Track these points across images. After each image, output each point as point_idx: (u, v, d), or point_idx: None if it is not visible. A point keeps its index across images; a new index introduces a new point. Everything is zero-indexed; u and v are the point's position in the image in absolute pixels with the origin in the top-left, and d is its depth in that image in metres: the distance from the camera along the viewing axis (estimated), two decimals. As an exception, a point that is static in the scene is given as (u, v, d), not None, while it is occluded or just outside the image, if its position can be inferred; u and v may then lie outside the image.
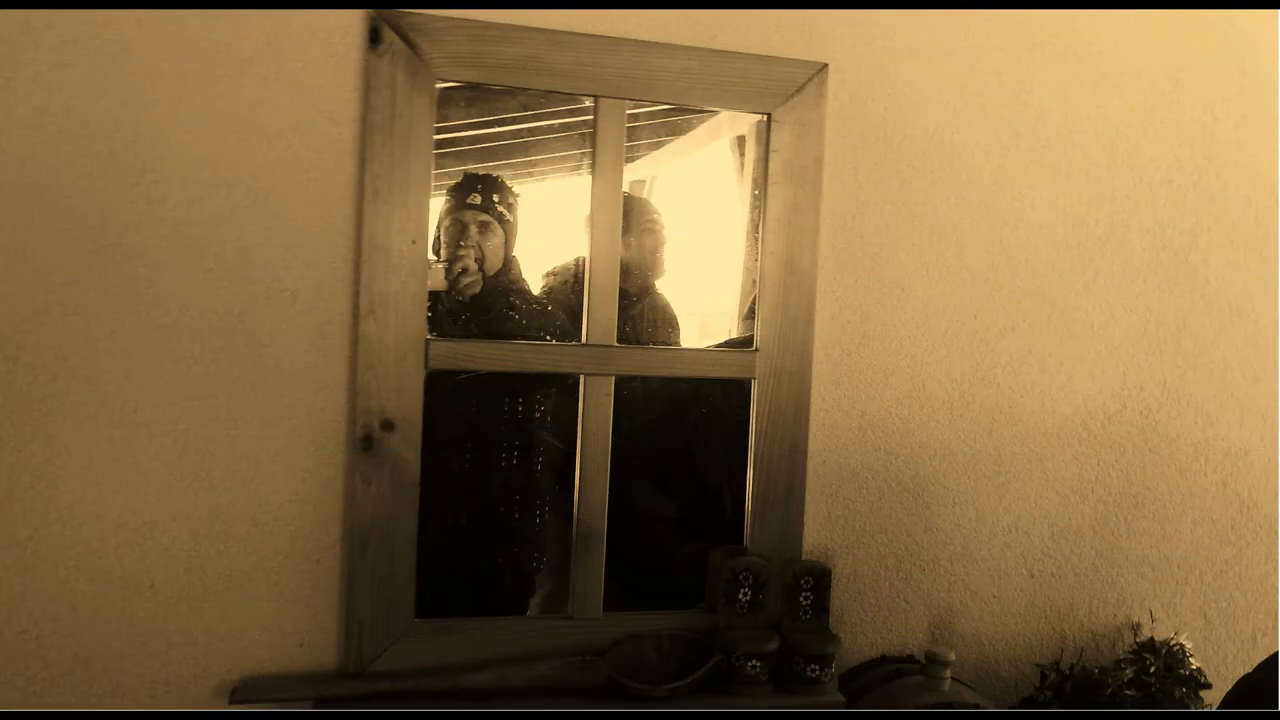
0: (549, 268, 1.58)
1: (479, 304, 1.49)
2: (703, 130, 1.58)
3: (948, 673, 1.37)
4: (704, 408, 1.60)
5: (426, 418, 1.30)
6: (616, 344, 1.36)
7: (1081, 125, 1.56)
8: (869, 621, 1.53)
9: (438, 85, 1.28)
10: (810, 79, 1.40)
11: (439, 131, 1.30)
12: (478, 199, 1.50)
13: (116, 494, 1.23)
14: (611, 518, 1.37)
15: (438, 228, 1.48)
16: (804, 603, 1.41)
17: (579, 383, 1.36)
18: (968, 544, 1.57)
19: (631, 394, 1.46)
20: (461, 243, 1.47)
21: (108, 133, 1.20)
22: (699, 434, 1.60)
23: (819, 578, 1.41)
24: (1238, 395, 1.67)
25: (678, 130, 1.60)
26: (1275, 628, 1.74)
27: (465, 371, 1.39)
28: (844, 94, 1.45)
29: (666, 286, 1.63)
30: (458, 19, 1.27)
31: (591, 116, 1.34)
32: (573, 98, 1.38)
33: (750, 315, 1.47)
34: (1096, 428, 1.61)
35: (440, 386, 1.34)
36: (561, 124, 1.53)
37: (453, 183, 1.50)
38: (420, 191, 1.27)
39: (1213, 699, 1.51)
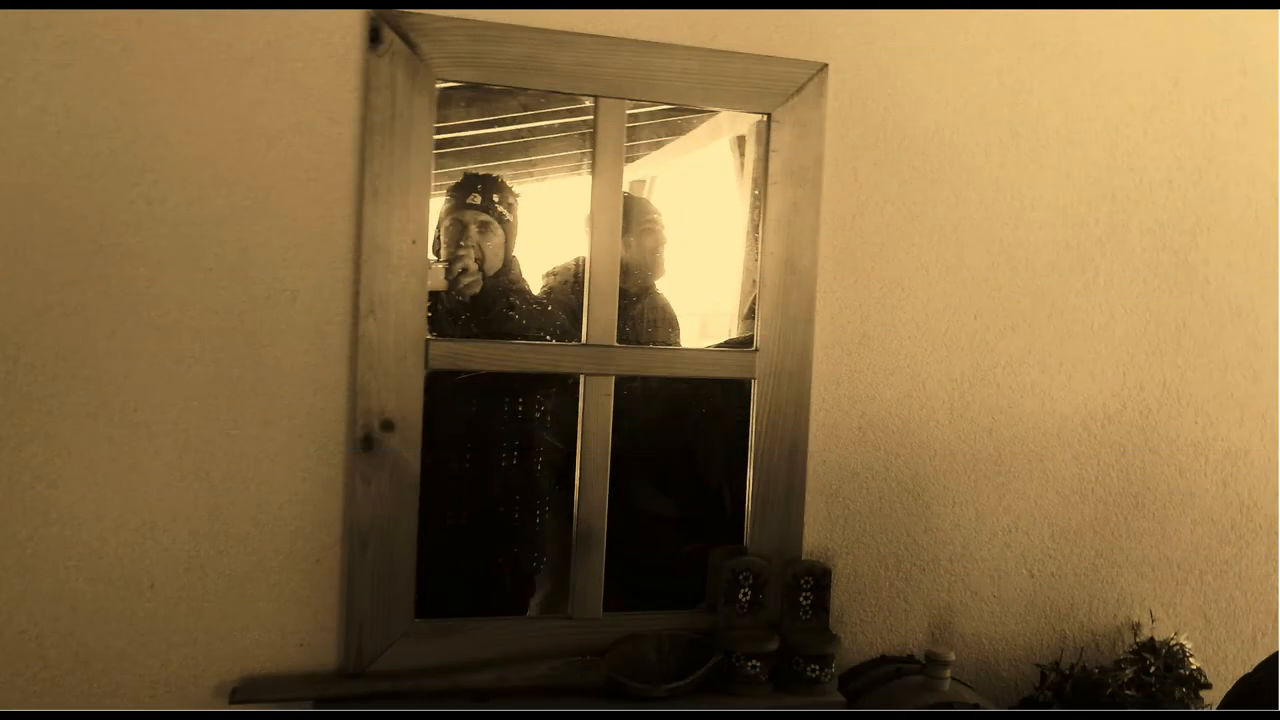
0: (549, 268, 1.58)
1: (479, 304, 1.49)
2: (703, 130, 1.58)
3: (948, 673, 1.37)
4: (704, 408, 1.60)
5: (426, 418, 1.29)
6: (616, 344, 1.36)
7: (1081, 125, 1.56)
8: (869, 621, 1.53)
9: (438, 85, 1.28)
10: (810, 79, 1.40)
11: (439, 131, 1.30)
12: (478, 199, 1.50)
13: (116, 494, 1.23)
14: (611, 518, 1.37)
15: (438, 228, 1.48)
16: (804, 603, 1.40)
17: (579, 383, 1.36)
18: (968, 544, 1.57)
19: (631, 394, 1.46)
20: (461, 243, 1.47)
21: (108, 133, 1.20)
22: (699, 434, 1.60)
23: (819, 578, 1.41)
24: (1238, 395, 1.67)
25: (678, 130, 1.60)
26: (1275, 628, 1.74)
27: (465, 371, 1.39)
28: (844, 94, 1.45)
29: (666, 286, 1.63)
30: (458, 19, 1.27)
31: (591, 116, 1.34)
32: (573, 98, 1.38)
33: (750, 315, 1.47)
34: (1096, 428, 1.61)
35: (440, 386, 1.34)
36: (561, 124, 1.53)
37: (453, 183, 1.50)
38: (420, 191, 1.27)
39: (1213, 699, 1.51)
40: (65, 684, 1.23)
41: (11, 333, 1.18)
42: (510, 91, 1.38)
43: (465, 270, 1.46)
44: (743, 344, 1.47)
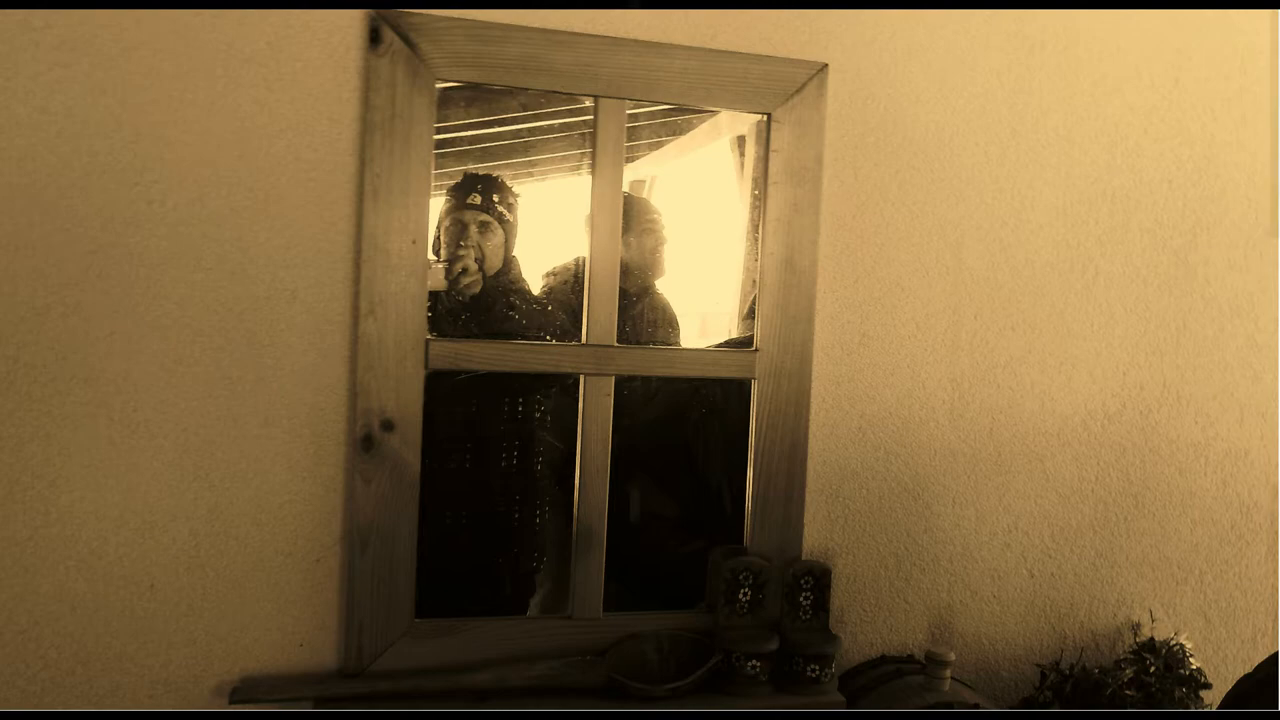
0: (549, 268, 1.58)
1: (479, 304, 1.49)
2: (703, 130, 1.58)
3: (948, 673, 1.37)
4: (704, 408, 1.60)
5: (426, 418, 1.30)
6: (616, 344, 1.36)
7: (1081, 125, 1.56)
8: (869, 621, 1.53)
9: (438, 85, 1.28)
10: (810, 79, 1.40)
11: (439, 131, 1.30)
12: (478, 199, 1.50)
13: (116, 494, 1.23)
14: (611, 518, 1.37)
15: (438, 228, 1.48)
16: (804, 603, 1.41)
17: (579, 383, 1.36)
18: (968, 544, 1.57)
19: (631, 394, 1.46)
20: (461, 243, 1.47)
21: (108, 133, 1.20)
22: (699, 434, 1.60)
23: (819, 578, 1.41)
24: (1238, 395, 1.67)
25: (678, 130, 1.60)
26: (1275, 628, 1.74)
27: (465, 371, 1.39)
28: (844, 94, 1.45)
29: (666, 286, 1.63)
30: (458, 19, 1.27)
31: (591, 116, 1.34)
32: (573, 98, 1.38)
33: (750, 315, 1.47)
34: (1096, 428, 1.61)
35: (440, 386, 1.34)
36: (561, 124, 1.53)
37: (453, 183, 1.50)
38: (420, 191, 1.27)
39: (1213, 699, 1.51)
40: (65, 684, 1.23)
41: (11, 333, 1.18)
42: (510, 91, 1.39)
43: (465, 270, 1.47)
44: (743, 344, 1.47)
